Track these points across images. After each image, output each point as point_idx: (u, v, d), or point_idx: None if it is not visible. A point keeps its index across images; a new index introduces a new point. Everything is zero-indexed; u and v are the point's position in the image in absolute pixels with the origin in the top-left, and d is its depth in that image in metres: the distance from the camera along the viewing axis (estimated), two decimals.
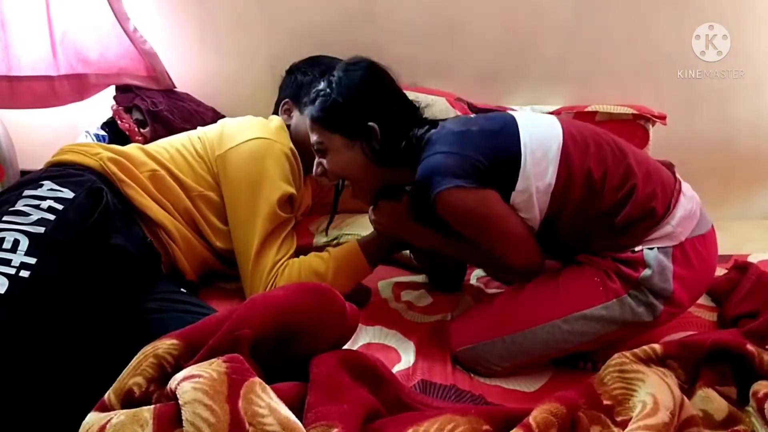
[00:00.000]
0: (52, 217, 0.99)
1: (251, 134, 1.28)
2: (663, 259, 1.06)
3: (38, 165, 1.15)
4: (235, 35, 1.69)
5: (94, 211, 1.03)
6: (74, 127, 1.66)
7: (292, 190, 1.28)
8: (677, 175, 1.17)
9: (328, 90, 1.16)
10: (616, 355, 0.97)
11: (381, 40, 1.65)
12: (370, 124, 1.15)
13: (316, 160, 1.22)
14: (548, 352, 1.10)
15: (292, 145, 1.32)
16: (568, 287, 1.10)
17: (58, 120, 1.71)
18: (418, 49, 1.69)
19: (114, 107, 1.57)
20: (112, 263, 1.05)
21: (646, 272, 1.06)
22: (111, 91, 1.65)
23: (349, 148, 1.17)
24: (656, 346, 0.98)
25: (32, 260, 0.93)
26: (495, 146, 1.10)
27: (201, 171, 1.28)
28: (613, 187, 1.08)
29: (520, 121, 1.13)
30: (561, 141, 1.10)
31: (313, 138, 1.19)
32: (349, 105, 1.15)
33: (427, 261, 1.38)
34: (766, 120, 1.77)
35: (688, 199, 1.13)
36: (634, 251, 1.08)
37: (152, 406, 0.74)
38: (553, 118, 1.18)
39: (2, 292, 0.89)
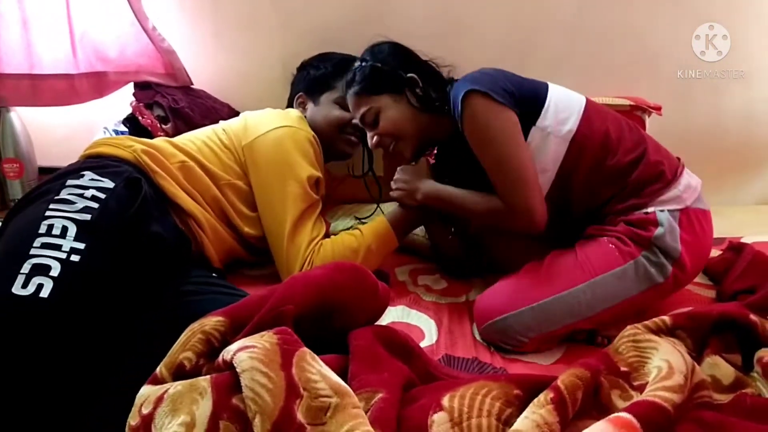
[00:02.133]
0: (95, 205, 1.04)
1: (276, 123, 1.35)
2: (672, 221, 1.15)
3: (56, 162, 1.19)
4: (248, 33, 1.74)
5: (133, 201, 1.08)
6: (91, 124, 1.70)
7: (318, 173, 1.35)
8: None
9: (363, 63, 1.31)
10: (628, 327, 1.01)
11: (389, 37, 1.70)
12: (410, 75, 1.28)
13: (369, 133, 1.32)
14: (573, 320, 1.14)
15: (313, 132, 1.39)
16: (586, 255, 1.16)
17: (75, 117, 1.74)
18: (424, 46, 1.73)
19: (134, 104, 1.61)
20: (150, 249, 1.10)
21: (660, 231, 1.14)
22: (126, 88, 1.69)
23: (398, 102, 1.29)
24: (666, 318, 1.02)
25: (81, 245, 0.98)
26: (523, 84, 1.22)
27: (228, 161, 1.33)
28: (627, 149, 1.19)
29: (549, 83, 1.25)
30: (584, 103, 1.22)
31: (361, 111, 1.31)
32: (387, 65, 1.29)
33: (442, 238, 1.43)
34: (757, 111, 1.85)
35: (690, 175, 1.24)
36: (647, 212, 1.17)
37: (209, 376, 0.78)
38: (582, 95, 1.27)
39: (56, 275, 0.93)
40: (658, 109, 1.71)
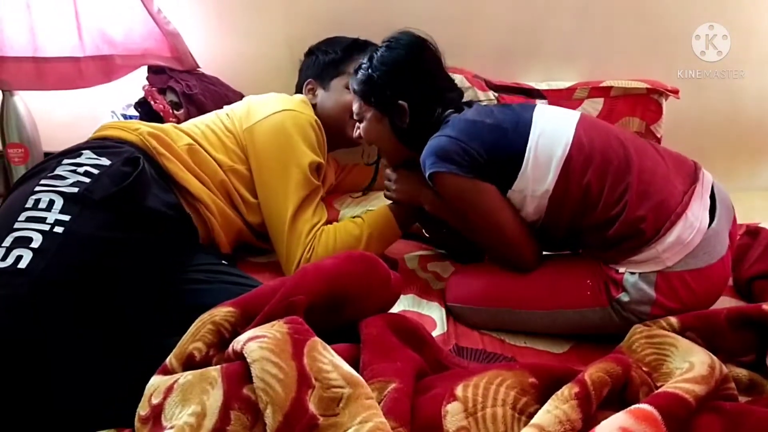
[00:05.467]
0: (87, 180, 1.00)
1: (277, 107, 1.33)
2: (643, 287, 1.05)
3: (61, 147, 1.15)
4: (254, 16, 1.71)
5: (129, 176, 1.04)
6: (97, 110, 1.68)
7: (319, 159, 1.33)
8: (696, 186, 1.11)
9: (368, 65, 1.25)
10: (637, 325, 1.01)
11: (398, 20, 1.65)
12: (401, 102, 1.21)
13: (357, 124, 1.32)
14: (528, 330, 1.16)
15: (316, 117, 1.37)
16: (560, 282, 1.14)
17: (81, 102, 1.72)
18: (435, 29, 1.69)
19: (147, 88, 1.59)
20: (149, 225, 1.06)
21: (623, 296, 1.07)
22: (135, 73, 1.67)
23: (379, 121, 1.26)
24: (673, 319, 1.00)
25: (66, 217, 0.94)
26: (500, 144, 1.13)
27: (231, 145, 1.31)
28: (608, 204, 1.08)
29: (535, 119, 1.14)
30: (567, 150, 1.10)
31: (354, 105, 1.30)
32: (383, 82, 1.22)
33: (436, 233, 1.44)
34: None
35: (689, 227, 1.06)
36: (618, 271, 1.09)
37: (219, 366, 0.77)
38: (573, 119, 1.16)
39: (36, 246, 0.89)
40: (676, 92, 1.68)
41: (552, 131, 1.13)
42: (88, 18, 1.56)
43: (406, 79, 1.22)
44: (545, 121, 1.15)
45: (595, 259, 1.14)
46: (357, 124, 1.32)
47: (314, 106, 1.45)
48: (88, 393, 0.86)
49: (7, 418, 0.83)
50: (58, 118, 1.76)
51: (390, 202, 1.37)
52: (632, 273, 1.07)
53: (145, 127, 1.22)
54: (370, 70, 1.23)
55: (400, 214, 1.33)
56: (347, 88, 1.44)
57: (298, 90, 1.57)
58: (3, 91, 1.63)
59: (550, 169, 1.10)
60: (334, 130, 1.42)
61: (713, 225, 1.08)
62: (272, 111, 1.32)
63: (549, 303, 1.13)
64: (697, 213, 1.08)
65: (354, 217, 1.37)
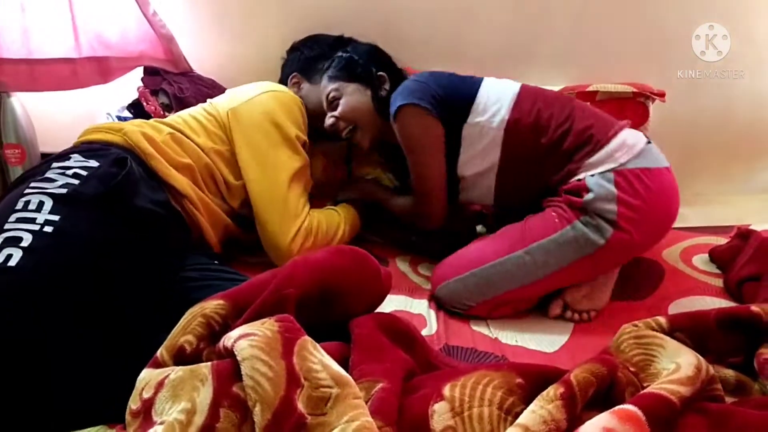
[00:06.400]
0: (76, 181, 1.01)
1: (262, 89, 1.38)
2: (604, 183, 1.18)
3: (59, 148, 1.16)
4: (249, 19, 1.72)
5: (117, 176, 1.05)
6: (94, 111, 1.68)
7: (304, 136, 1.38)
8: (642, 133, 1.30)
9: (343, 54, 1.45)
10: (626, 325, 0.99)
11: (393, 23, 1.69)
12: (381, 73, 1.41)
13: (329, 114, 1.42)
14: (514, 286, 1.21)
15: (299, 99, 1.42)
16: (530, 224, 1.24)
17: (79, 103, 1.73)
18: (429, 32, 1.73)
19: (140, 89, 1.60)
20: (139, 223, 1.06)
21: (589, 196, 1.18)
22: (132, 75, 1.68)
23: (362, 94, 1.41)
24: (662, 319, 0.99)
25: (56, 217, 0.94)
26: (455, 85, 1.32)
27: (212, 128, 1.33)
28: (558, 123, 1.25)
29: (485, 78, 1.35)
30: (517, 90, 1.31)
31: (328, 90, 1.42)
32: (363, 59, 1.43)
33: (407, 243, 1.54)
34: (766, 99, 1.82)
35: (634, 135, 1.26)
36: (579, 179, 1.21)
37: (210, 363, 0.77)
38: (517, 83, 1.35)
39: (26, 245, 0.89)
40: (662, 95, 1.68)
41: (502, 84, 1.35)
42: (84, 20, 1.58)
43: (379, 58, 1.46)
44: (488, 82, 1.35)
45: (559, 184, 1.24)
46: (329, 114, 1.42)
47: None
48: (88, 393, 0.86)
49: (7, 417, 0.83)
50: (56, 118, 1.76)
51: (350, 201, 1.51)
52: (591, 175, 1.20)
53: (129, 126, 1.22)
54: (348, 54, 1.44)
55: (362, 211, 1.49)
56: None
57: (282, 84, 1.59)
58: (0, 92, 1.64)
59: (503, 104, 1.27)
60: (318, 122, 1.45)
61: (650, 143, 1.27)
62: (258, 92, 1.37)
63: (523, 242, 1.21)
64: (639, 133, 1.28)
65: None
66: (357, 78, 1.41)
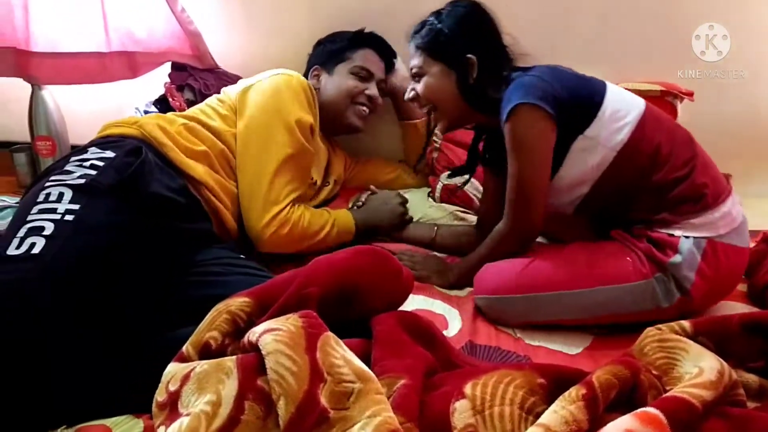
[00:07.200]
0: (93, 172, 1.04)
1: (272, 73, 1.38)
2: (694, 251, 1.10)
3: (88, 140, 1.20)
4: (278, 15, 1.74)
5: (132, 165, 1.08)
6: (124, 104, 1.72)
7: (309, 118, 1.35)
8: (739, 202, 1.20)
9: (436, 21, 1.25)
10: (650, 329, 0.98)
11: (421, 20, 1.69)
12: (470, 56, 1.22)
13: (410, 85, 1.31)
14: (566, 317, 1.15)
15: (309, 83, 1.40)
16: (599, 261, 1.15)
17: (108, 97, 1.76)
18: None
19: (167, 84, 1.63)
20: (157, 210, 1.09)
21: (676, 258, 1.10)
22: (161, 70, 1.70)
23: (446, 77, 1.25)
24: (686, 323, 0.98)
25: (76, 206, 0.98)
26: (581, 87, 1.18)
27: (225, 111, 1.35)
28: (675, 166, 1.13)
29: (609, 84, 1.21)
30: (642, 111, 1.17)
31: (414, 62, 1.28)
32: (453, 35, 1.23)
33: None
34: None
35: (736, 204, 1.17)
36: (672, 234, 1.11)
37: (234, 356, 0.79)
38: (641, 99, 1.22)
39: (49, 233, 0.92)
40: (690, 94, 1.66)
41: (626, 95, 1.21)
42: (114, 16, 1.60)
43: (474, 33, 1.23)
44: (617, 89, 1.22)
45: (645, 225, 1.15)
46: (411, 85, 1.31)
47: (317, 90, 1.50)
48: (88, 393, 0.87)
49: (7, 417, 0.84)
50: (86, 111, 1.80)
51: (357, 211, 1.47)
52: (687, 237, 1.10)
53: (144, 119, 1.25)
54: (439, 25, 1.23)
55: (359, 231, 1.43)
56: (352, 73, 1.51)
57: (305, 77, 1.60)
58: (32, 85, 1.67)
59: (626, 122, 1.14)
60: (333, 114, 1.47)
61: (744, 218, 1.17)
62: (266, 75, 1.38)
63: (589, 281, 1.12)
64: (737, 199, 1.18)
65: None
66: (442, 57, 1.24)
